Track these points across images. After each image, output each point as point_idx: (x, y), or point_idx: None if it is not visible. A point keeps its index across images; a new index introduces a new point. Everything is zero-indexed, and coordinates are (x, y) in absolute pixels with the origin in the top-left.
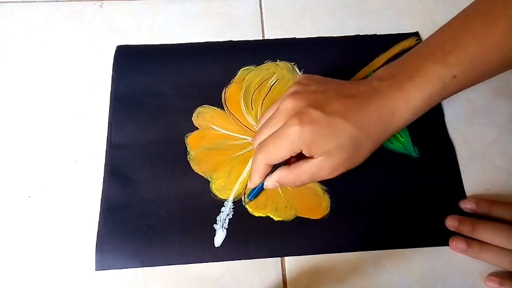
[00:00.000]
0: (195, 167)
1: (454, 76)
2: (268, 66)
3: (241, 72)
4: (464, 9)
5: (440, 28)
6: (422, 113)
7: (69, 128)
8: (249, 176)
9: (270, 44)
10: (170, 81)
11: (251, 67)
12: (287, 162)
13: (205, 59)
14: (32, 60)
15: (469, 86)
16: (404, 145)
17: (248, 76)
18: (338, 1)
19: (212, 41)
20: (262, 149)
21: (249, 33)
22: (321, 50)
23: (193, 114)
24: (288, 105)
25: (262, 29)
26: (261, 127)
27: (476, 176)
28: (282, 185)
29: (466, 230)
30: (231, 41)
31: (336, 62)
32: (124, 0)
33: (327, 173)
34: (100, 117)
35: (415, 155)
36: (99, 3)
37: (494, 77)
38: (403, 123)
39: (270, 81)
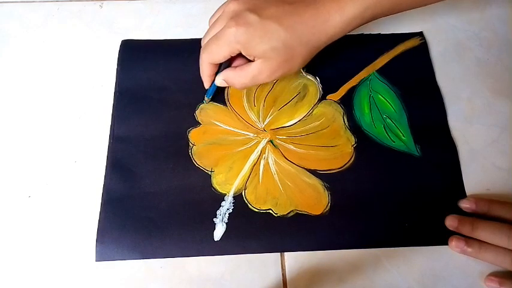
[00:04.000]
0: (197, 162)
1: None
2: None
3: None
4: None
5: None
6: (355, 27)
7: (69, 128)
8: (201, 76)
9: None
10: (174, 77)
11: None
12: (230, 65)
13: None
14: (32, 60)
15: (403, 9)
16: (406, 144)
17: None
18: None
19: None
20: (205, 49)
21: None
22: (324, 48)
23: (196, 110)
24: (231, 7)
25: None
26: (208, 29)
27: (476, 176)
28: (229, 84)
29: (465, 229)
30: None
31: (339, 60)
32: (124, 0)
33: (266, 76)
34: (100, 117)
35: (417, 154)
36: (99, 3)
37: (494, 77)
38: (336, 34)
39: None
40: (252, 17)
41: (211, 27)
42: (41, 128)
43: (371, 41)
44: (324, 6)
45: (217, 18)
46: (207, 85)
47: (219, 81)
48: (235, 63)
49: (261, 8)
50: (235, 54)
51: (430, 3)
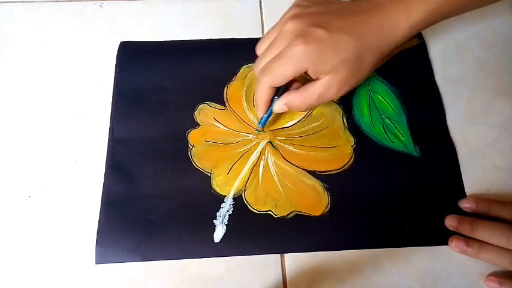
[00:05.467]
0: (196, 163)
1: None
2: None
3: (243, 69)
4: None
5: None
6: (421, 29)
7: (69, 128)
8: (255, 104)
9: None
10: (173, 78)
11: (253, 65)
12: (288, 89)
13: (207, 56)
14: (32, 60)
15: (469, 9)
16: (405, 144)
17: (250, 74)
18: None
19: (215, 38)
20: (266, 71)
21: (249, 33)
22: None
23: (195, 111)
24: (291, 26)
25: (262, 29)
26: (263, 52)
27: (476, 176)
28: (290, 109)
29: (465, 229)
30: (234, 38)
31: None
32: (124, 0)
33: (334, 92)
34: (100, 117)
35: (416, 155)
36: (99, 3)
37: (494, 77)
38: (403, 38)
39: None
40: (321, 32)
41: (268, 48)
42: (41, 128)
43: None
44: (389, 12)
45: (274, 40)
46: (261, 113)
47: (280, 107)
48: (293, 86)
49: (326, 22)
50: (298, 75)
51: (491, 3)
